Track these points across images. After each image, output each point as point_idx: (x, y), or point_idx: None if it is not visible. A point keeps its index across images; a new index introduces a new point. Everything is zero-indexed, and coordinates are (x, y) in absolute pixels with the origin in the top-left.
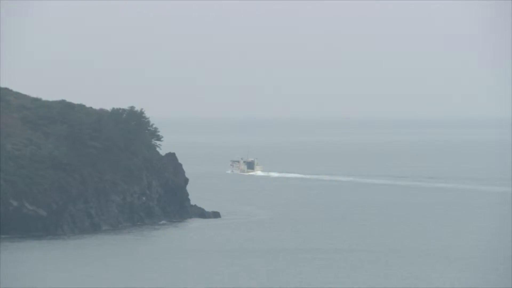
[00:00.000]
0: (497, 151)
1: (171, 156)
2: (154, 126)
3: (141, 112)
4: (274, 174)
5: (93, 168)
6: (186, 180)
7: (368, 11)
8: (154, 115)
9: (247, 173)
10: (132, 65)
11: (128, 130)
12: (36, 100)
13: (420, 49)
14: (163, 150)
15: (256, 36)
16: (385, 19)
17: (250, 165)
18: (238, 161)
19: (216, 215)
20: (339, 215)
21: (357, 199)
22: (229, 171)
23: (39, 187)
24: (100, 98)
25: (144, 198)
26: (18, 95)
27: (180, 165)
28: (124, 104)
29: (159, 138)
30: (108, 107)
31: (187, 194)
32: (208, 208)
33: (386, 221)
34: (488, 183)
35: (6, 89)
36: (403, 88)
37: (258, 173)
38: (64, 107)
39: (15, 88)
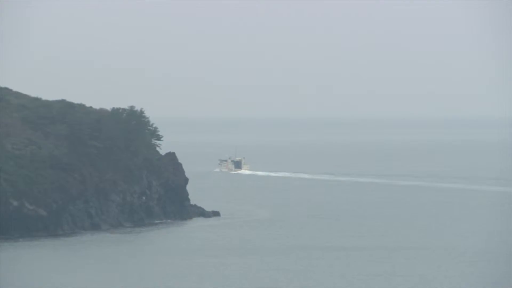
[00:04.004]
0: (497, 151)
1: (171, 155)
2: (154, 125)
3: (141, 112)
4: (260, 173)
5: (93, 167)
6: (186, 180)
7: (366, 11)
8: (154, 115)
9: (234, 172)
10: (134, 65)
11: (128, 130)
12: (36, 100)
13: (420, 49)
14: (162, 150)
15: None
16: (384, 19)
17: (238, 164)
18: (226, 160)
19: (216, 214)
20: (339, 214)
21: (355, 199)
22: (217, 170)
23: (39, 187)
24: (100, 98)
25: (144, 198)
26: (18, 95)
27: (180, 164)
28: (124, 104)
29: (159, 137)
30: (108, 106)
31: (187, 194)
32: (207, 207)
33: (385, 221)
34: (488, 183)
35: (6, 89)
36: (403, 88)
37: (245, 172)
38: (64, 106)
39: (15, 88)
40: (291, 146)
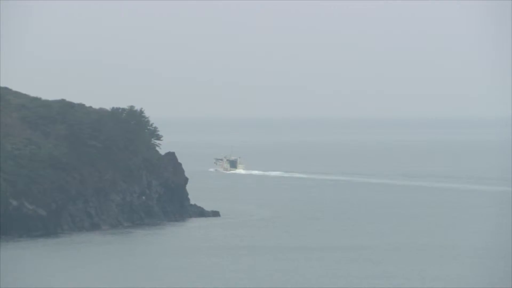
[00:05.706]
0: (497, 151)
1: (171, 155)
2: (153, 125)
3: (141, 112)
4: (255, 172)
5: (93, 167)
6: (185, 180)
7: (365, 11)
8: (154, 115)
9: (229, 171)
10: (134, 65)
11: (128, 130)
12: (36, 100)
13: (420, 49)
14: (162, 150)
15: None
16: (382, 19)
17: (233, 164)
18: (222, 160)
19: (215, 214)
20: (338, 213)
21: (354, 198)
22: (212, 169)
23: (39, 187)
24: (100, 98)
25: (143, 197)
26: (17, 94)
27: (180, 164)
28: (123, 104)
29: (158, 137)
30: (108, 106)
31: (187, 194)
32: (206, 207)
33: (385, 221)
34: (488, 183)
35: (6, 88)
36: (404, 88)
37: (241, 171)
38: (64, 106)
39: (15, 88)
40: (288, 146)
